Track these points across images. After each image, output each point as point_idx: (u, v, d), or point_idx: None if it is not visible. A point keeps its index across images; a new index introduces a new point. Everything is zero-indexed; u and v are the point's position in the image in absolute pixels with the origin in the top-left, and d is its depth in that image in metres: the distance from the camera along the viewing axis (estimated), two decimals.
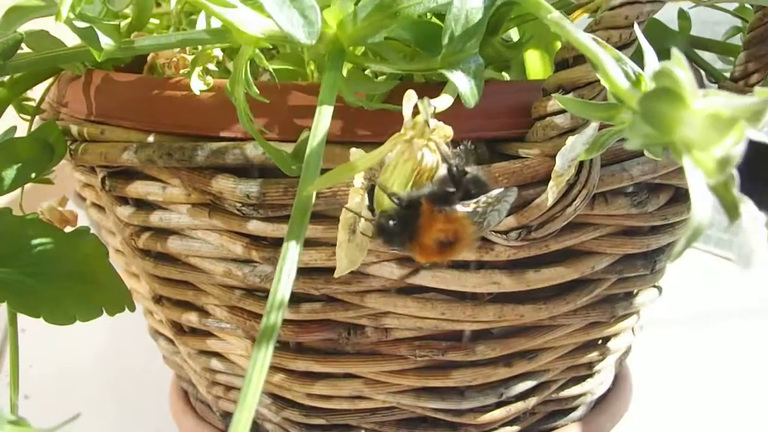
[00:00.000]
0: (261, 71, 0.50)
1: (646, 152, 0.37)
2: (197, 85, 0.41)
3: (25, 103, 0.51)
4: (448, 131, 0.31)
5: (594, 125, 0.35)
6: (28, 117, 0.50)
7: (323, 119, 0.33)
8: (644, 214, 0.45)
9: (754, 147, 0.29)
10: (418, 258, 0.32)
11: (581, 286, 0.46)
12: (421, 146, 0.30)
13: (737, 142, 0.23)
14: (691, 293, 0.81)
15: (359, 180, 0.32)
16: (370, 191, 0.32)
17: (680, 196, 0.47)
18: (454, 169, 0.31)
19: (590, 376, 0.53)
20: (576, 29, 0.30)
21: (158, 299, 0.51)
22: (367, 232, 0.31)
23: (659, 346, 0.71)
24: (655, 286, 0.52)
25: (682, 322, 0.80)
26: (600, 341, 0.52)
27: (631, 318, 0.51)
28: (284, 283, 0.28)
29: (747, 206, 0.24)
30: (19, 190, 0.49)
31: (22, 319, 0.73)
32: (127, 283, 0.55)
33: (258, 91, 0.37)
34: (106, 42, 0.37)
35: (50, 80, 0.50)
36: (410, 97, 0.30)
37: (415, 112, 0.31)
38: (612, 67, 0.27)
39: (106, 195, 0.48)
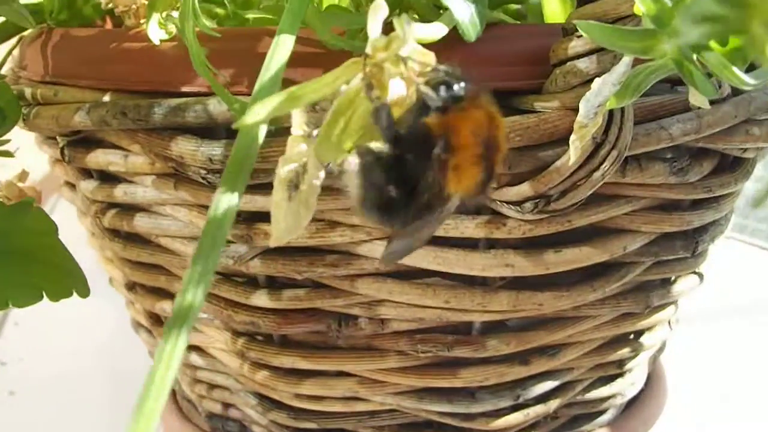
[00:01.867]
0: None
1: (691, 97, 0.28)
2: (156, 34, 0.33)
3: None
4: (429, 57, 0.22)
5: (627, 61, 0.26)
6: None
7: (280, 50, 0.24)
8: (685, 184, 0.36)
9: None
10: (457, 188, 0.23)
11: (611, 271, 0.37)
12: (395, 74, 0.22)
13: None
14: (726, 285, 0.72)
15: (299, 127, 0.23)
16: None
17: (726, 164, 0.38)
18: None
19: (620, 375, 0.43)
20: None
21: (131, 286, 0.43)
22: (311, 190, 0.23)
23: (694, 342, 0.62)
24: (695, 273, 0.42)
25: (719, 316, 0.70)
26: (632, 336, 0.42)
27: (667, 309, 0.42)
28: (207, 251, 0.20)
29: None
30: None
31: (16, 312, 0.66)
32: (105, 270, 0.47)
33: (207, 25, 0.29)
34: None
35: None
36: (378, 9, 0.21)
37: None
38: None
39: (70, 168, 0.40)
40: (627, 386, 0.44)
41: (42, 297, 0.33)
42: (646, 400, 0.47)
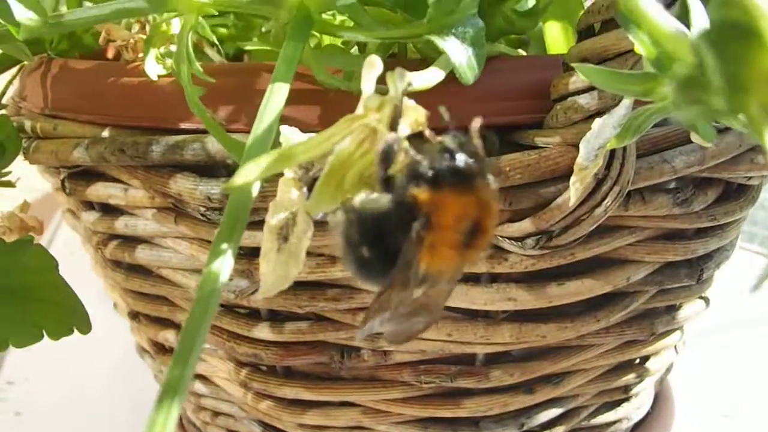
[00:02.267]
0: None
1: (693, 137, 0.28)
2: (153, 69, 0.33)
3: None
4: (421, 115, 0.21)
5: (627, 103, 0.25)
6: None
7: (275, 98, 0.24)
8: (689, 214, 0.35)
9: None
10: (429, 266, 0.22)
11: (615, 301, 0.37)
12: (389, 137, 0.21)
13: None
14: (734, 295, 0.71)
15: (290, 169, 0.23)
16: (310, 186, 0.22)
17: (731, 193, 0.37)
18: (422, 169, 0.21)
19: (626, 400, 0.43)
20: None
21: (134, 315, 0.43)
22: (300, 242, 0.22)
23: (701, 355, 0.61)
24: (701, 297, 0.42)
25: (726, 328, 0.69)
26: (637, 361, 0.42)
27: (673, 335, 0.42)
28: (199, 318, 0.19)
29: None
30: None
31: None
32: (111, 297, 0.47)
33: (201, 69, 0.28)
34: (28, 16, 0.28)
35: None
36: (372, 66, 0.21)
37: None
38: (651, 6, 0.17)
39: (71, 199, 0.40)
40: (633, 410, 0.44)
41: (42, 336, 0.33)
42: (653, 423, 0.47)
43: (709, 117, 0.16)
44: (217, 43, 0.39)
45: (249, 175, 0.20)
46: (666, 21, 0.17)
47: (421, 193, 0.21)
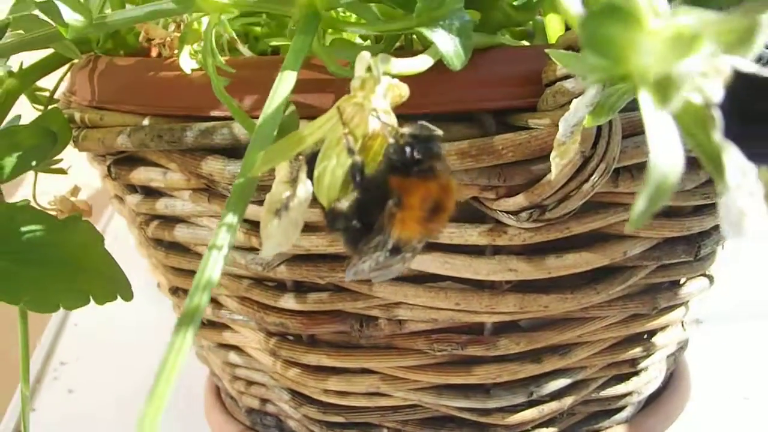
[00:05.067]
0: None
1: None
2: (187, 63, 0.38)
3: (38, 93, 0.48)
4: (404, 90, 0.26)
5: (597, 85, 0.29)
6: (42, 107, 0.48)
7: (283, 85, 0.29)
8: (681, 192, 0.39)
9: (748, 83, 0.23)
10: (399, 234, 0.27)
11: (614, 274, 0.40)
12: (371, 111, 0.26)
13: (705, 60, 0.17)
14: (750, 286, 0.73)
15: (284, 177, 0.27)
16: (310, 160, 0.27)
17: None
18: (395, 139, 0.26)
19: (635, 374, 0.47)
20: None
21: (174, 290, 0.48)
22: (299, 208, 0.27)
23: (718, 342, 0.64)
24: (705, 276, 0.45)
25: (742, 316, 0.72)
26: (644, 336, 0.45)
27: (677, 310, 0.45)
28: (211, 266, 0.24)
29: (731, 156, 0.19)
30: (32, 179, 0.47)
31: (74, 314, 0.71)
32: (153, 275, 0.52)
33: (223, 61, 0.33)
34: (75, 18, 0.33)
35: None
36: (362, 58, 0.25)
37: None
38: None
39: (117, 183, 0.45)
40: (642, 384, 0.47)
41: (89, 300, 0.38)
42: (666, 399, 0.50)
43: (599, 82, 0.20)
44: (248, 40, 0.44)
45: (272, 158, 0.25)
46: (573, 3, 0.22)
47: (394, 179, 0.26)
